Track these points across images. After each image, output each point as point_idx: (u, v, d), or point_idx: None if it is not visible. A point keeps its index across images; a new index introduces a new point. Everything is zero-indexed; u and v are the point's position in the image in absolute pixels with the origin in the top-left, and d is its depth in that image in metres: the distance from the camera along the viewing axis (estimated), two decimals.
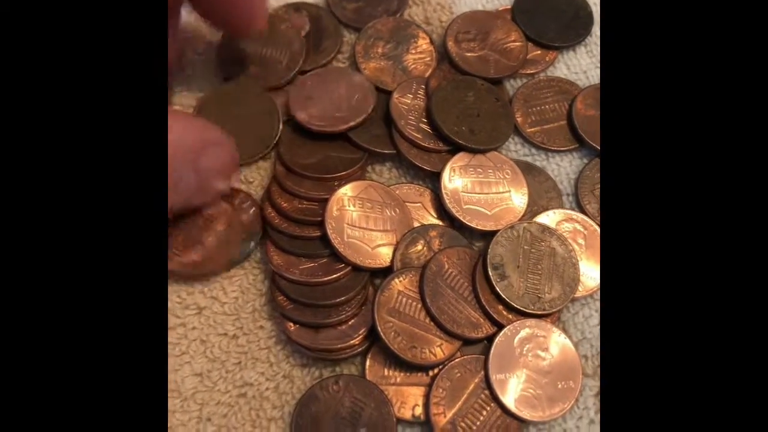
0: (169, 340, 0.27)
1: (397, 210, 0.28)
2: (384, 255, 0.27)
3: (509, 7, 0.34)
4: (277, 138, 0.29)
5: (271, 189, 0.28)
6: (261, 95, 0.30)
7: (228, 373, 0.26)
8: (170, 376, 0.26)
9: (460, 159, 0.29)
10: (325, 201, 0.28)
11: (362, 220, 0.28)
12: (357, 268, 0.27)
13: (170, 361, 0.26)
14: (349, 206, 0.28)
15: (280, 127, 0.29)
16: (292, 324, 0.26)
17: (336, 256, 0.27)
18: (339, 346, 0.26)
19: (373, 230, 0.27)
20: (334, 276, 0.26)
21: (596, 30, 0.34)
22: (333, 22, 0.33)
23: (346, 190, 0.28)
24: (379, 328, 0.26)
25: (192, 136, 0.25)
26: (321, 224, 0.27)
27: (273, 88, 0.31)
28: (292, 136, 0.30)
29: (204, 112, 0.30)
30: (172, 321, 0.27)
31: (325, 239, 0.27)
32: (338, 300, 0.26)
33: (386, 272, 0.27)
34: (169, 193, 0.23)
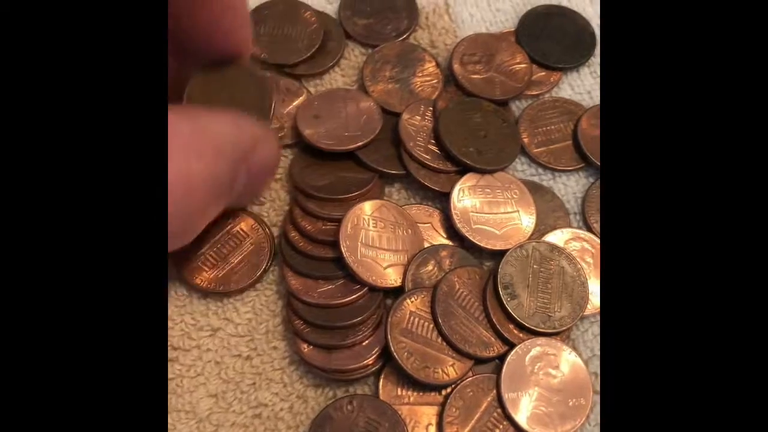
0: (184, 362, 0.27)
1: (410, 230, 0.29)
2: (392, 275, 0.28)
3: (513, 29, 0.35)
4: (271, 112, 0.28)
5: (293, 212, 0.29)
6: (252, 75, 0.29)
7: (243, 394, 0.27)
8: (185, 398, 0.26)
9: (468, 179, 0.30)
10: None
11: (375, 239, 0.28)
12: (371, 288, 0.27)
13: (185, 382, 0.27)
14: (363, 225, 0.28)
15: (273, 104, 0.28)
16: (305, 345, 0.26)
17: (350, 276, 0.27)
18: (352, 366, 0.26)
19: (385, 250, 0.28)
20: (353, 297, 0.27)
21: (599, 51, 0.35)
22: (339, 31, 0.34)
23: (362, 209, 0.29)
24: (392, 348, 0.26)
25: (244, 135, 0.23)
26: (335, 243, 0.28)
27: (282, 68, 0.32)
28: (302, 158, 0.30)
29: (193, 97, 0.28)
30: (186, 342, 0.27)
31: (339, 258, 0.28)
32: (355, 321, 0.26)
33: (396, 292, 0.28)
34: (224, 195, 0.23)
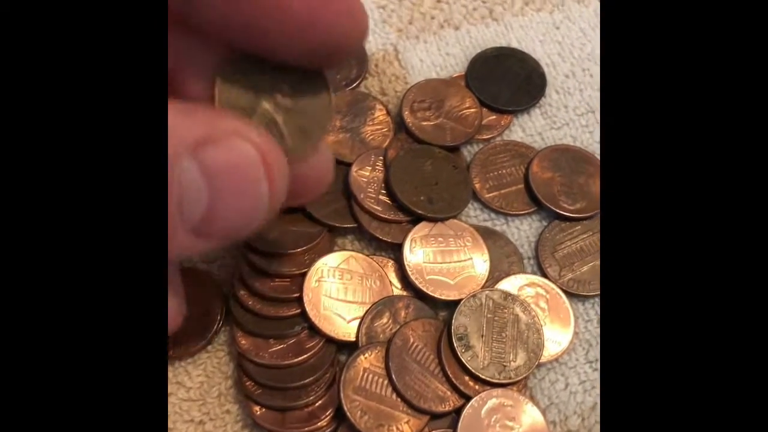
0: None
1: (378, 282, 0.28)
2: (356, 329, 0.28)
3: (462, 73, 0.35)
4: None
5: (242, 269, 0.28)
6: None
7: None
8: None
9: (420, 229, 0.30)
10: (299, 276, 0.28)
11: (341, 291, 0.28)
12: (330, 341, 0.27)
13: None
14: (328, 277, 0.28)
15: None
16: (258, 408, 0.26)
17: (309, 332, 0.27)
18: (306, 428, 0.26)
19: (351, 302, 0.28)
20: (305, 357, 0.27)
21: (550, 91, 0.35)
22: None
23: (327, 261, 0.29)
24: (345, 408, 0.26)
25: (188, 123, 0.17)
26: (299, 298, 0.28)
27: None
28: None
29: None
30: None
31: (301, 313, 0.27)
32: (307, 381, 0.26)
33: (352, 347, 0.27)
34: (173, 205, 0.17)
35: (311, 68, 0.20)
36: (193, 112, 0.18)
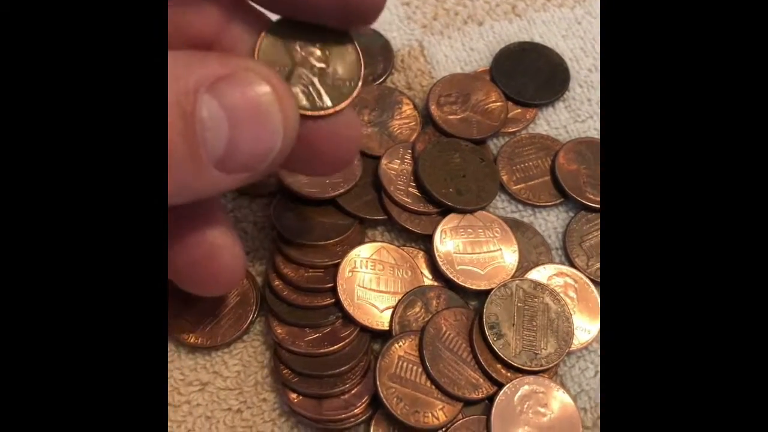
0: (174, 418, 0.27)
1: (409, 272, 0.29)
2: (389, 318, 0.28)
3: (487, 68, 0.35)
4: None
5: (276, 260, 0.29)
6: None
7: None
8: None
9: (450, 221, 0.30)
10: (332, 267, 0.29)
11: (373, 281, 0.29)
12: (364, 330, 0.28)
13: None
14: (361, 268, 0.29)
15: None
16: (295, 395, 0.27)
17: (343, 321, 0.28)
18: (343, 415, 0.26)
19: (383, 292, 0.28)
20: (340, 345, 0.27)
21: (573, 85, 0.35)
22: None
23: (359, 252, 0.29)
24: (381, 395, 0.26)
25: (204, 63, 0.19)
26: (332, 288, 0.28)
27: None
28: (284, 205, 0.30)
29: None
30: (176, 398, 0.27)
31: (335, 302, 0.28)
32: (343, 369, 0.27)
33: (386, 335, 0.28)
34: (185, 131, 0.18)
35: (339, 28, 0.22)
36: (207, 55, 0.19)
